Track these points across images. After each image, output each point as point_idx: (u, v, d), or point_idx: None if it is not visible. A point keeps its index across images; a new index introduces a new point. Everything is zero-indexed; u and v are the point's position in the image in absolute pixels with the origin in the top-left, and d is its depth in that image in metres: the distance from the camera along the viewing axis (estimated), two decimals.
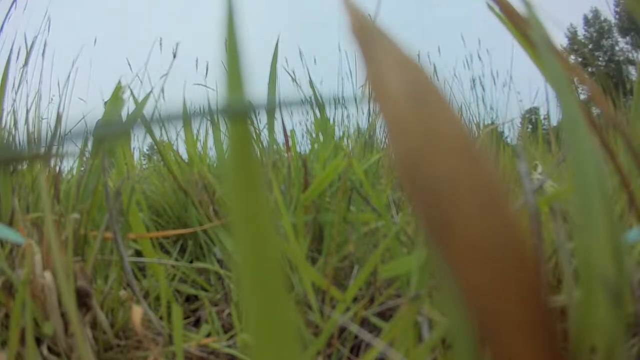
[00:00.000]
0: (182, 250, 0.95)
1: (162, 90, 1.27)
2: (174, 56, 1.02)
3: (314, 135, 1.07)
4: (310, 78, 1.13)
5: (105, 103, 0.77)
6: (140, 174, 1.33)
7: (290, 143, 0.77)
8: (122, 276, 0.61)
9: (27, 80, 1.44)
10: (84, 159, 0.82)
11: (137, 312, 0.54)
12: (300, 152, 1.02)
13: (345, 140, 0.99)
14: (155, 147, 0.90)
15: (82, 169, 0.83)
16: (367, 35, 0.16)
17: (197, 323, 0.80)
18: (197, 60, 2.01)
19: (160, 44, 1.81)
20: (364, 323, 0.58)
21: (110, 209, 0.60)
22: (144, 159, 1.93)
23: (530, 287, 0.12)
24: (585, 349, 0.19)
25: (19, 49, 1.46)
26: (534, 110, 2.42)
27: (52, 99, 1.85)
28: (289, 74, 1.21)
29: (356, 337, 0.58)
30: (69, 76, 1.53)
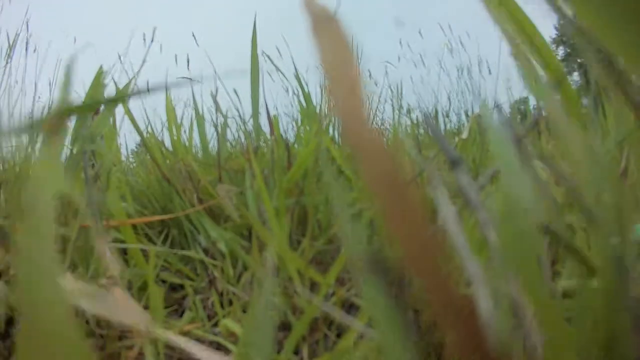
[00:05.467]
0: (168, 240, 0.94)
1: (147, 83, 1.24)
2: (152, 40, 1.00)
3: (300, 123, 1.06)
4: (295, 67, 1.11)
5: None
6: (126, 165, 1.31)
7: (273, 126, 0.76)
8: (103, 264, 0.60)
9: (10, 76, 1.42)
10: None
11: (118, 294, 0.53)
12: (286, 139, 1.01)
13: (331, 127, 0.98)
14: (139, 135, 0.89)
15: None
16: (324, 31, 0.16)
17: (183, 313, 0.79)
18: (176, 56, 2.00)
19: (144, 38, 1.79)
20: (352, 306, 0.57)
21: (90, 195, 0.59)
22: (132, 155, 1.91)
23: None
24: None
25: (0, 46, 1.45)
26: (523, 100, 2.41)
27: (39, 98, 1.82)
28: (273, 63, 1.19)
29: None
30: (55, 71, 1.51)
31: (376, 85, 2.05)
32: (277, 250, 0.50)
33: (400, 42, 2.41)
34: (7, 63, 1.48)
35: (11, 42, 1.57)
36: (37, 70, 1.79)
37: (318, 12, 0.17)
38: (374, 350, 0.32)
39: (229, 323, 0.49)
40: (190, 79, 1.32)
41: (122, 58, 1.24)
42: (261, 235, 0.50)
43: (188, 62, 1.67)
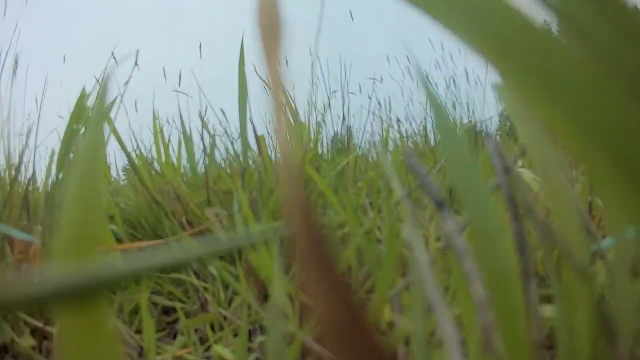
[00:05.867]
0: None
1: (135, 103, 1.24)
2: (135, 63, 1.01)
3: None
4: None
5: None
6: (115, 186, 1.30)
7: (261, 147, 0.76)
8: None
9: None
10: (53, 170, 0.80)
11: None
12: (275, 157, 1.01)
13: (319, 145, 0.98)
14: (126, 157, 0.88)
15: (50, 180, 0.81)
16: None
17: (175, 336, 0.78)
18: (164, 70, 1.99)
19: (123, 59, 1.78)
20: None
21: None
22: (123, 175, 1.90)
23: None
24: None
25: None
26: None
27: (29, 116, 1.80)
28: (262, 79, 1.19)
29: None
30: (43, 92, 1.50)
31: (369, 97, 2.06)
32: (266, 275, 0.50)
33: (388, 58, 2.42)
34: None
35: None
36: (25, 87, 1.78)
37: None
38: None
39: (220, 349, 0.48)
40: (180, 92, 1.32)
41: (99, 80, 1.23)
42: (250, 259, 0.50)
43: (180, 77, 1.66)
